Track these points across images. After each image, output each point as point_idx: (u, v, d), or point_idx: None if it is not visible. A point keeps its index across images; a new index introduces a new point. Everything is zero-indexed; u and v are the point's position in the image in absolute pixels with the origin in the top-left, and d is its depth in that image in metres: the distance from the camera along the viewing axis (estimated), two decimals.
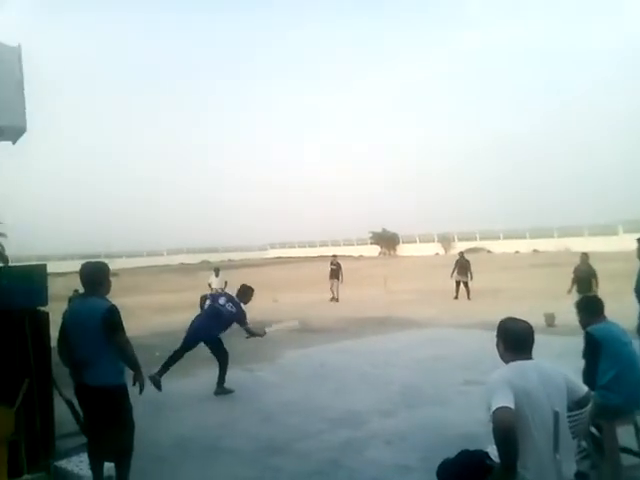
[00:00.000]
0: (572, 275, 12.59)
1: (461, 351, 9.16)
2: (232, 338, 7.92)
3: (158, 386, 6.71)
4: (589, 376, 4.03)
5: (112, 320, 3.93)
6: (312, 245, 62.98)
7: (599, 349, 4.08)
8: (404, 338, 10.93)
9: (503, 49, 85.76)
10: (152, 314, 13.98)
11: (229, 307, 7.38)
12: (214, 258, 54.44)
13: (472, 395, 6.28)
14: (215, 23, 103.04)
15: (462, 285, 17.95)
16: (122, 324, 4.01)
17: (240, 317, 7.38)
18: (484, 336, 9.54)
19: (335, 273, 19.66)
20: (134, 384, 4.07)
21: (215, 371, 7.30)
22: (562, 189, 64.37)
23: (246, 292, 7.70)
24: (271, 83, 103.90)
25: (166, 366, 7.11)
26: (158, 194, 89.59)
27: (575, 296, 10.84)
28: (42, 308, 4.75)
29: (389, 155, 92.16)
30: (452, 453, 3.18)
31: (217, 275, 18.21)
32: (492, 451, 2.83)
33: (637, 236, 5.42)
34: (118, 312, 4.00)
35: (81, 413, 4.40)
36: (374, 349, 9.93)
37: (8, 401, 4.27)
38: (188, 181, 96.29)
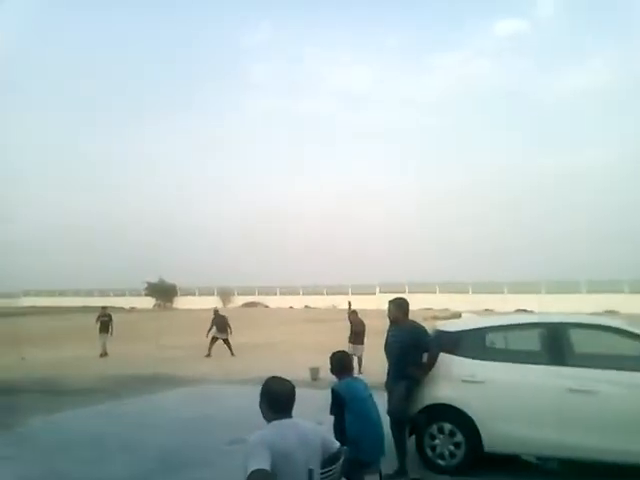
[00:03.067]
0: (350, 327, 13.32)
1: (230, 408, 8.91)
2: None
3: None
4: (339, 431, 4.21)
5: None
6: (77, 294, 57.12)
7: (343, 405, 4.32)
8: (171, 397, 10.32)
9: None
10: None
11: None
12: None
13: (235, 455, 5.99)
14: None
15: (223, 342, 17.39)
16: None
17: None
18: (255, 392, 9.47)
19: (105, 326, 18.28)
20: None
21: None
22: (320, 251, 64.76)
23: None
24: None
25: None
26: None
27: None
28: None
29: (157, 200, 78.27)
30: None
31: None
32: None
33: (395, 296, 6.10)
34: None
35: None
36: (135, 411, 9.11)
37: None
38: None
